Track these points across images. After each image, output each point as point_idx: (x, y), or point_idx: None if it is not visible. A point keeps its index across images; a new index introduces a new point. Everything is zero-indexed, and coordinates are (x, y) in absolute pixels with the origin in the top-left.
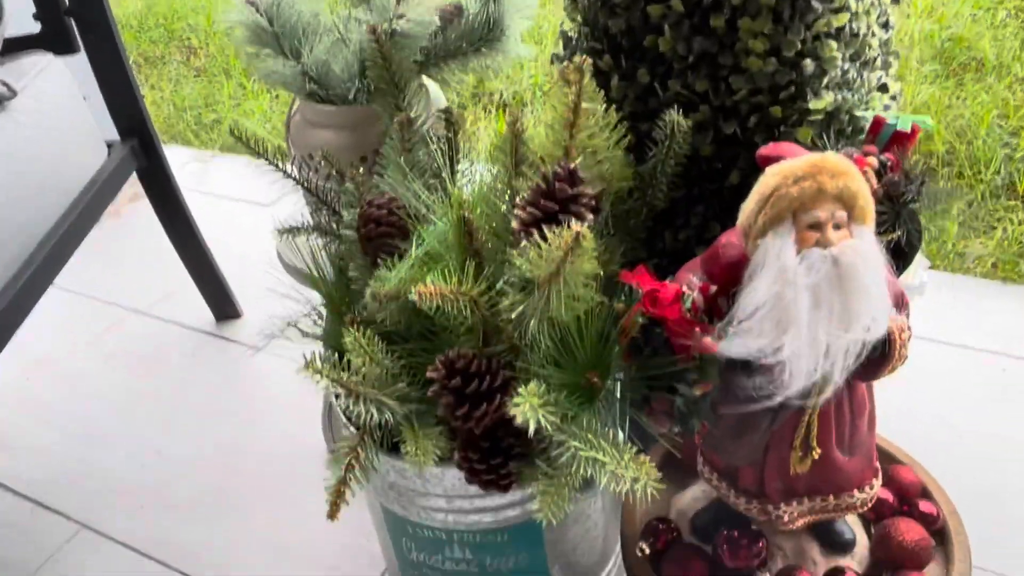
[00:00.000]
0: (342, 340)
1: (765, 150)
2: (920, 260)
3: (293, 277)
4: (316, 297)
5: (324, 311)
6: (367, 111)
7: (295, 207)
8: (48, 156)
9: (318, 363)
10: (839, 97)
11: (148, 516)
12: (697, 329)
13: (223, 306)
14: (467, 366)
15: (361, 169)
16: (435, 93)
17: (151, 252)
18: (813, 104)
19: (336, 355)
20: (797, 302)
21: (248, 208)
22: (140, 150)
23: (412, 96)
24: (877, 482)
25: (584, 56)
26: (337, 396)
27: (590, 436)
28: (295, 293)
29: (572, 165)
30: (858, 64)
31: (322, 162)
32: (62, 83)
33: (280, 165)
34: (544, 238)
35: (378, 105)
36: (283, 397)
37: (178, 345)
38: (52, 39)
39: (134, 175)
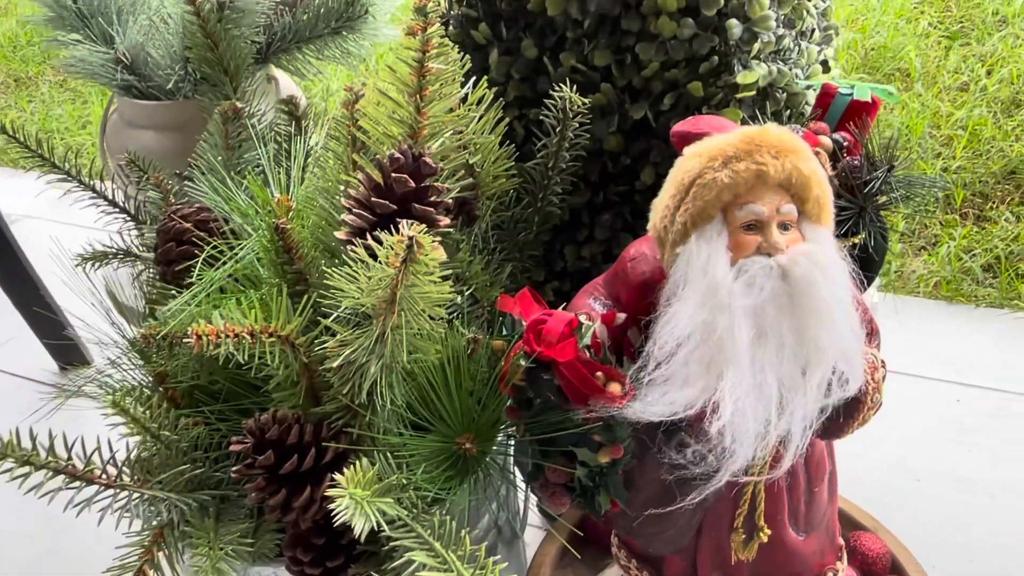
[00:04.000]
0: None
1: (682, 126)
2: None
3: (124, 315)
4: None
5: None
6: (195, 107)
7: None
8: None
9: (19, 447)
10: (773, 70)
11: None
12: (600, 374)
13: (67, 353)
14: (283, 435)
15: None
16: (287, 87)
17: None
18: (742, 78)
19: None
20: (733, 333)
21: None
22: None
23: (250, 87)
24: (841, 565)
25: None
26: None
27: (438, 545)
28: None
29: (418, 149)
30: (794, 32)
31: (137, 170)
32: None
33: (75, 173)
34: (373, 253)
35: (207, 99)
36: None
37: (14, 399)
38: None
39: None
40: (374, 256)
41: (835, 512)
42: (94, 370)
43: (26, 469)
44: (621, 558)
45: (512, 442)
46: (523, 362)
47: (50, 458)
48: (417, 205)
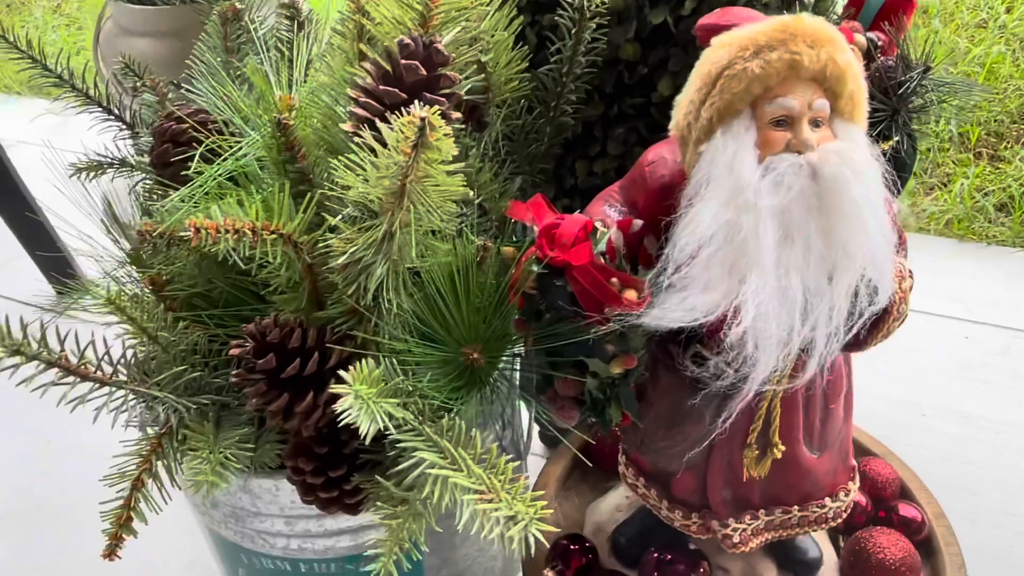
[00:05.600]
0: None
1: (709, 18)
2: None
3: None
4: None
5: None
6: (192, 12)
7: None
8: None
9: (9, 336)
10: None
11: None
12: (615, 280)
13: (64, 277)
14: (284, 339)
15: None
16: None
17: None
18: None
19: None
20: (759, 234)
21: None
22: None
23: None
24: (854, 486)
25: None
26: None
27: (447, 444)
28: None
29: (429, 37)
30: None
31: (131, 75)
32: None
33: (68, 77)
34: (383, 141)
35: (205, 2)
36: None
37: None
38: None
39: None
40: (384, 147)
41: (850, 432)
42: (90, 283)
43: (16, 359)
44: (628, 476)
45: (518, 359)
46: (535, 268)
47: (42, 349)
48: (428, 95)
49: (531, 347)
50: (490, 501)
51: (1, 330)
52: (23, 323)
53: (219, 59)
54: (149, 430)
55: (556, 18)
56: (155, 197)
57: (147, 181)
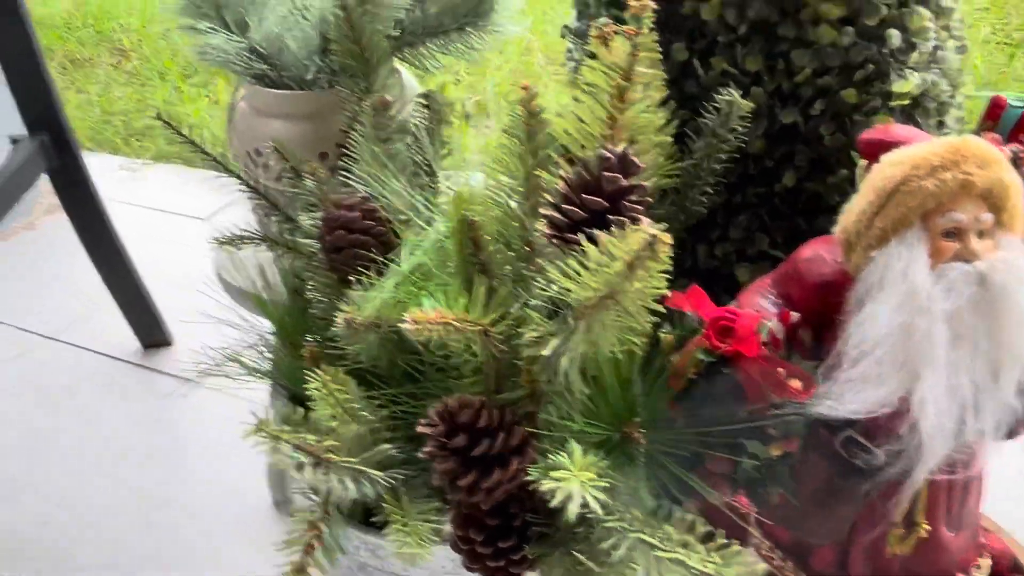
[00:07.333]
0: (297, 378)
1: (872, 133)
2: None
3: (235, 300)
4: (263, 324)
5: (274, 341)
6: (329, 97)
7: (237, 219)
8: None
9: (272, 424)
10: (928, 79)
11: None
12: (780, 370)
13: (150, 332)
14: (474, 419)
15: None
16: (407, 81)
17: (69, 270)
18: (898, 87)
19: (292, 399)
20: (932, 336)
21: (182, 222)
22: (51, 146)
23: (385, 79)
24: (985, 563)
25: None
26: (299, 466)
27: (669, 528)
28: (237, 319)
29: (622, 149)
30: (947, 37)
31: (272, 157)
32: None
33: (221, 161)
34: (594, 242)
35: (343, 89)
36: (220, 439)
37: (96, 376)
38: None
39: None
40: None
41: (980, 511)
42: (227, 351)
43: (274, 443)
44: (762, 548)
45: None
46: (701, 356)
47: (292, 435)
48: (626, 203)
49: (686, 427)
50: None
51: (265, 421)
52: (275, 410)
53: (376, 148)
54: (316, 498)
55: (704, 117)
56: (319, 279)
57: (295, 259)
